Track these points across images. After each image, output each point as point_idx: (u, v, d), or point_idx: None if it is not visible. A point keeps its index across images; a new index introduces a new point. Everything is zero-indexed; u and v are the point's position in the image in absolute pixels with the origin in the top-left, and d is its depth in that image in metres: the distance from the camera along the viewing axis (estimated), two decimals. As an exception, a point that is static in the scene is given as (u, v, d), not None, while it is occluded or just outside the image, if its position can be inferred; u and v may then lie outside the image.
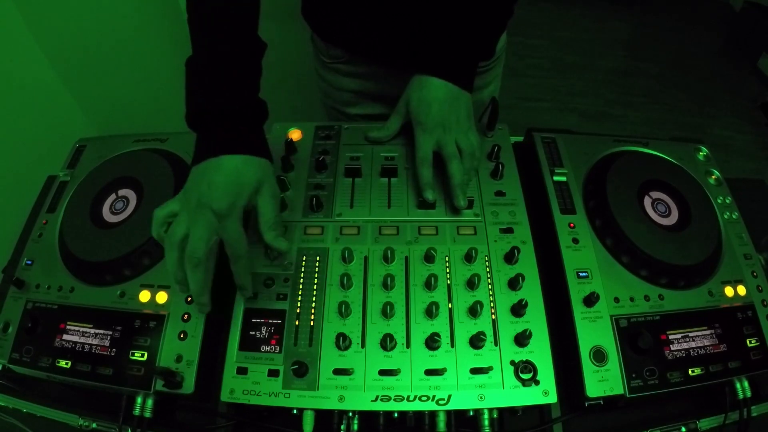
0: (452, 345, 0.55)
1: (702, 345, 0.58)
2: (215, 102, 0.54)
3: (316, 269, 0.60)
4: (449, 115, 0.64)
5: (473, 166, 0.66)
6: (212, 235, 0.51)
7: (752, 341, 0.59)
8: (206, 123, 0.54)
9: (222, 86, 0.54)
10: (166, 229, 0.53)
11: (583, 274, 0.60)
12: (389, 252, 0.60)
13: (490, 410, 0.53)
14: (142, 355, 0.56)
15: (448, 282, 0.59)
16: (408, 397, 0.52)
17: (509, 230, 0.64)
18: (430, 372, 0.54)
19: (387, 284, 0.58)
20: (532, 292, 0.59)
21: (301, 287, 0.59)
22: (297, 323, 0.57)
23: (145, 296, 0.59)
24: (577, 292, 0.59)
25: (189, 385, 0.54)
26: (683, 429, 0.56)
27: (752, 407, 0.57)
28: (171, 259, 0.51)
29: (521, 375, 0.53)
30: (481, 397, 0.52)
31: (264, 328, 0.57)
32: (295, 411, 0.54)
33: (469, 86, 0.68)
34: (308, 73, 1.00)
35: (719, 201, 0.70)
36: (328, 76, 0.91)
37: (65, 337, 0.58)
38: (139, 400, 0.55)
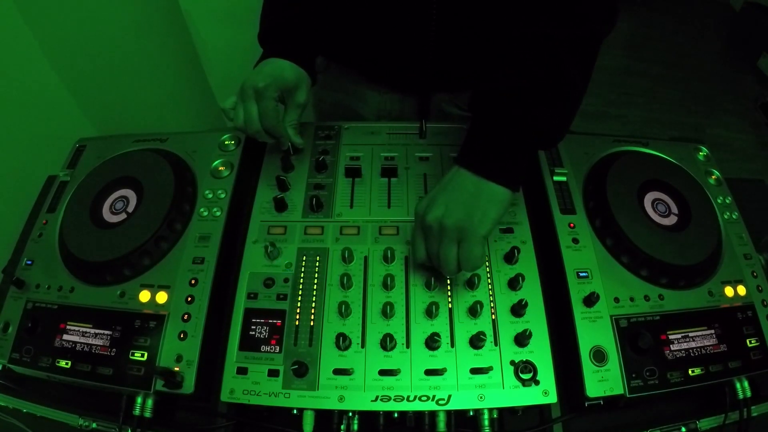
0: (452, 345, 0.55)
1: (702, 345, 0.58)
2: (279, 22, 0.69)
3: (316, 269, 0.60)
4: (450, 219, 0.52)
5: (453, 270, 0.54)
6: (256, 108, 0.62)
7: (752, 341, 0.59)
8: (271, 37, 0.69)
9: (288, 10, 0.69)
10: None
11: (583, 274, 0.60)
12: (389, 252, 0.60)
13: (490, 410, 0.53)
14: (142, 355, 0.55)
15: (448, 282, 0.59)
16: (408, 397, 0.52)
17: (509, 230, 0.64)
18: (430, 372, 0.54)
19: (387, 284, 0.58)
20: (532, 292, 0.59)
21: (301, 287, 0.59)
22: (297, 323, 0.57)
23: (145, 296, 0.59)
24: (577, 292, 0.59)
25: (189, 385, 0.54)
26: (683, 429, 0.56)
27: (752, 407, 0.57)
28: (248, 133, 0.64)
29: (521, 375, 0.53)
30: (481, 397, 0.52)
31: (264, 328, 0.57)
32: (295, 411, 0.54)
33: (509, 182, 0.52)
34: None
35: (719, 201, 0.70)
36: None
37: (65, 337, 0.58)
38: (139, 400, 0.54)
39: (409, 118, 0.87)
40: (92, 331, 0.58)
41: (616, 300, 0.59)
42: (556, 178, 0.68)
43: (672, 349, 0.57)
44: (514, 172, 0.52)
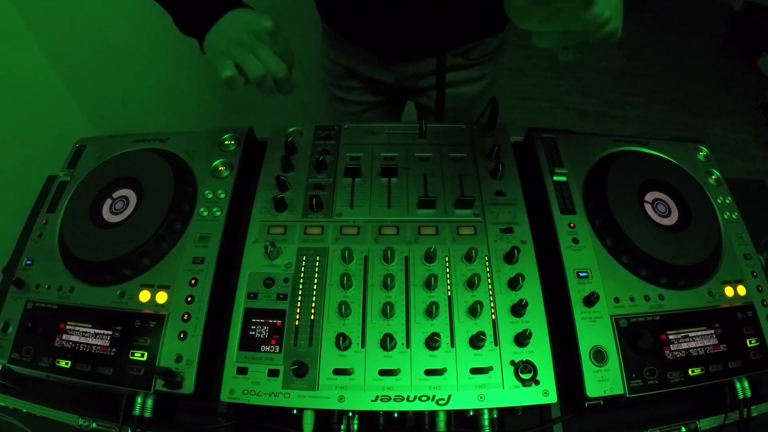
0: (452, 345, 0.55)
1: (702, 345, 0.58)
2: None
3: (316, 269, 0.60)
4: None
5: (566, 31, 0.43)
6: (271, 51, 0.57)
7: (752, 341, 0.59)
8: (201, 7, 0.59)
9: None
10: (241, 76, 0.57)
11: (583, 274, 0.60)
12: (389, 252, 0.60)
13: (490, 410, 0.53)
14: (142, 355, 0.55)
15: (448, 282, 0.59)
16: (408, 397, 0.52)
17: (509, 230, 0.64)
18: (430, 372, 0.53)
19: (387, 284, 0.58)
20: (532, 292, 0.59)
21: (301, 287, 0.59)
22: (297, 323, 0.57)
23: (145, 296, 0.59)
24: (577, 292, 0.59)
25: (189, 385, 0.54)
26: (683, 429, 0.57)
27: (752, 407, 0.57)
28: (265, 88, 0.58)
29: (521, 375, 0.53)
30: (481, 397, 0.52)
31: (264, 328, 0.57)
32: (295, 411, 0.54)
33: None
34: (316, 73, 1.01)
35: (719, 201, 0.70)
36: (327, 50, 0.96)
37: (65, 337, 0.58)
38: (139, 400, 0.55)
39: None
40: (92, 331, 0.58)
41: (616, 300, 0.59)
42: (556, 178, 0.68)
43: (672, 349, 0.57)
44: None
